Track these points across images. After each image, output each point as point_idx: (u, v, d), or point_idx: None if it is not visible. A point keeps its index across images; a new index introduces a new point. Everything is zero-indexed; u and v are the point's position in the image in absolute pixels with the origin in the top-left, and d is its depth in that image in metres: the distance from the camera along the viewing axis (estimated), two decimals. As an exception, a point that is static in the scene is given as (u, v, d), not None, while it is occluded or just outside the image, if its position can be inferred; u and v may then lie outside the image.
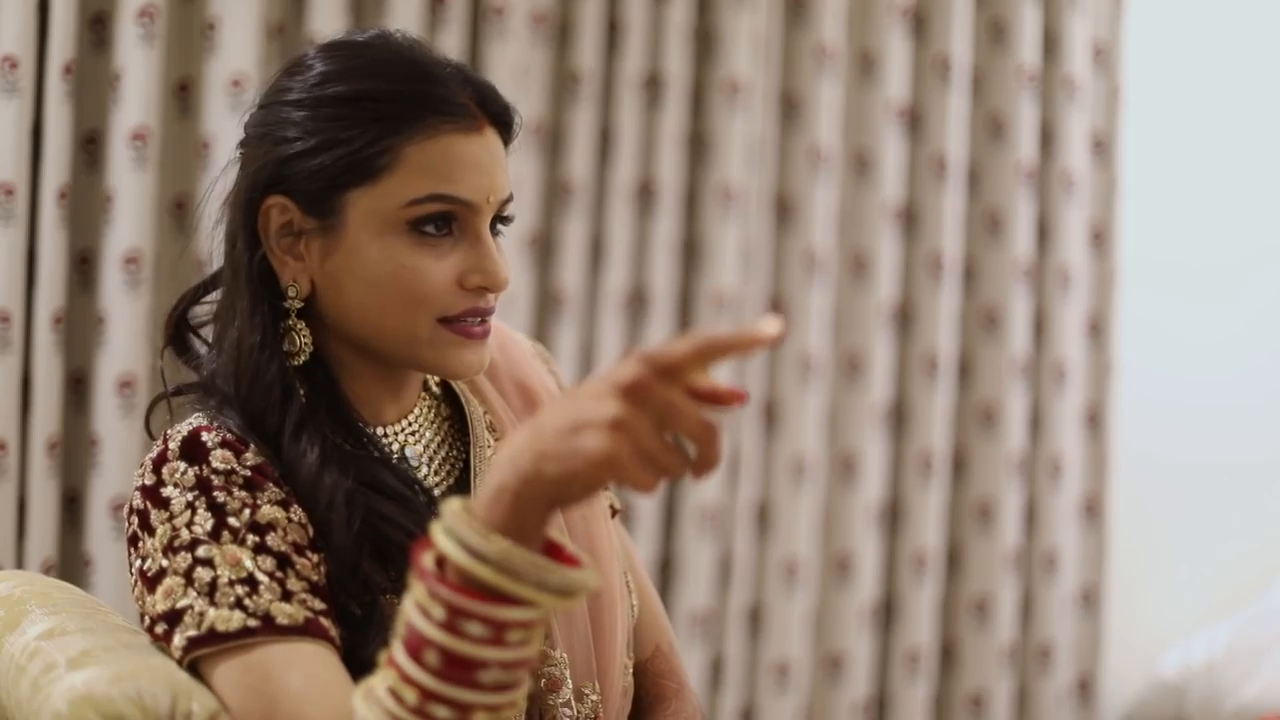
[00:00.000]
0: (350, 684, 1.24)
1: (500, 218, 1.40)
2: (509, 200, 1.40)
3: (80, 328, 2.33)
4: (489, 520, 1.06)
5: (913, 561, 2.91)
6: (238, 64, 2.38)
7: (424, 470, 1.44)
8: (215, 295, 1.44)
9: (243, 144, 1.41)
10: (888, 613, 2.96)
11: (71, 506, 2.35)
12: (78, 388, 2.35)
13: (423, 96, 1.34)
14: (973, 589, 2.96)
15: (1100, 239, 3.03)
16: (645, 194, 2.78)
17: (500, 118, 1.39)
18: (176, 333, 1.46)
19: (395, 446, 1.43)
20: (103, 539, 2.30)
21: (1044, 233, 3.00)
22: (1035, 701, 3.00)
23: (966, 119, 2.94)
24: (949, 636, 2.99)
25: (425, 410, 1.48)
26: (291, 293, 1.37)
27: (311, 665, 1.23)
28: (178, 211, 2.43)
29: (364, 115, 1.33)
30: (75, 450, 2.33)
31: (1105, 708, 3.07)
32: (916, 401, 2.94)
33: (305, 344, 1.38)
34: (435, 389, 1.51)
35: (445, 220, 1.35)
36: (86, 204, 2.33)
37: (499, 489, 1.06)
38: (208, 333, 1.45)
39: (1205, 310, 3.27)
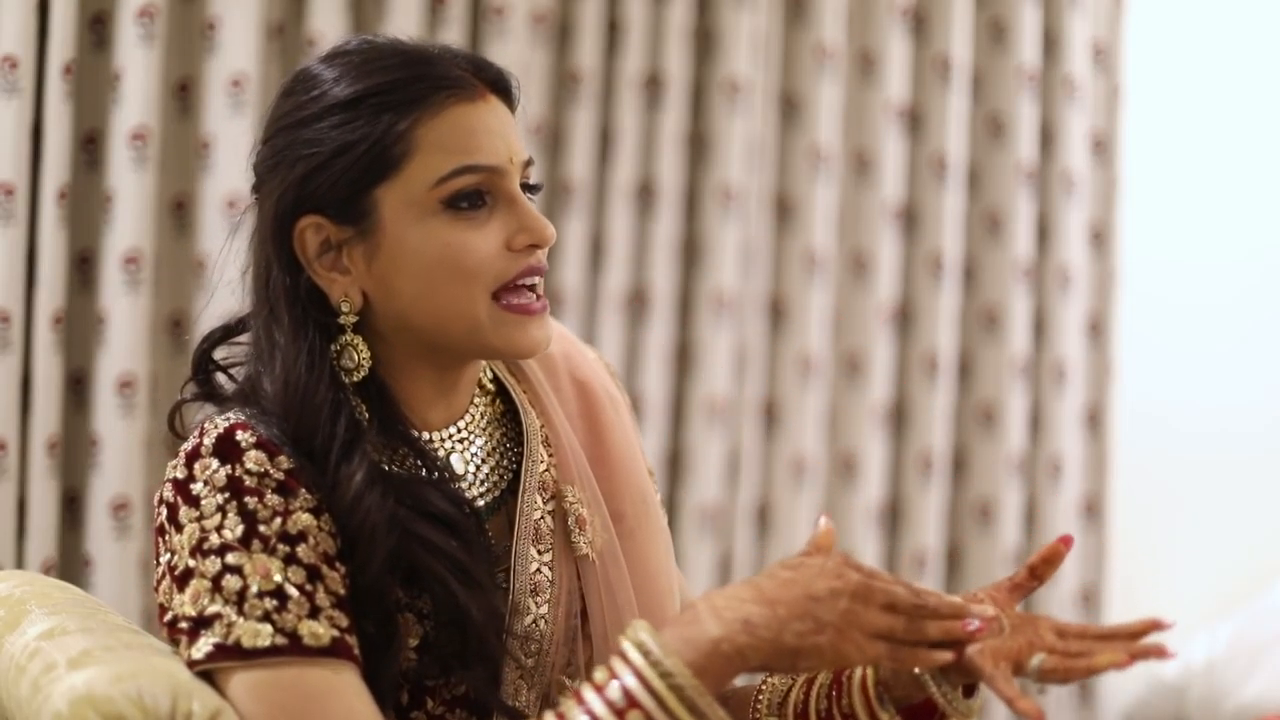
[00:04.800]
0: (378, 713, 1.25)
1: (529, 187, 1.40)
2: (530, 164, 1.40)
3: (80, 328, 2.33)
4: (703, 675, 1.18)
5: (913, 562, 2.91)
6: (238, 64, 2.38)
7: (468, 480, 1.42)
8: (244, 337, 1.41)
9: (256, 186, 1.40)
10: (888, 613, 2.96)
11: (71, 506, 2.34)
12: (78, 388, 2.35)
13: (421, 77, 1.34)
14: (973, 590, 2.95)
15: (1100, 239, 3.03)
16: (645, 194, 2.78)
17: (498, 83, 1.40)
18: (203, 373, 1.43)
19: (441, 453, 1.41)
20: (103, 539, 2.30)
21: (1044, 233, 3.00)
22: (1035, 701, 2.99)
23: (966, 119, 2.94)
24: (949, 636, 2.98)
25: (478, 416, 1.46)
26: (345, 308, 1.36)
27: (346, 697, 1.24)
28: (178, 211, 2.43)
29: (370, 111, 1.33)
30: (75, 450, 2.33)
31: (1105, 708, 3.07)
32: (916, 401, 2.93)
33: (364, 359, 1.36)
34: (490, 385, 1.49)
35: (478, 195, 1.35)
36: (86, 204, 2.33)
37: (721, 656, 1.19)
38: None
39: (1205, 310, 3.27)
